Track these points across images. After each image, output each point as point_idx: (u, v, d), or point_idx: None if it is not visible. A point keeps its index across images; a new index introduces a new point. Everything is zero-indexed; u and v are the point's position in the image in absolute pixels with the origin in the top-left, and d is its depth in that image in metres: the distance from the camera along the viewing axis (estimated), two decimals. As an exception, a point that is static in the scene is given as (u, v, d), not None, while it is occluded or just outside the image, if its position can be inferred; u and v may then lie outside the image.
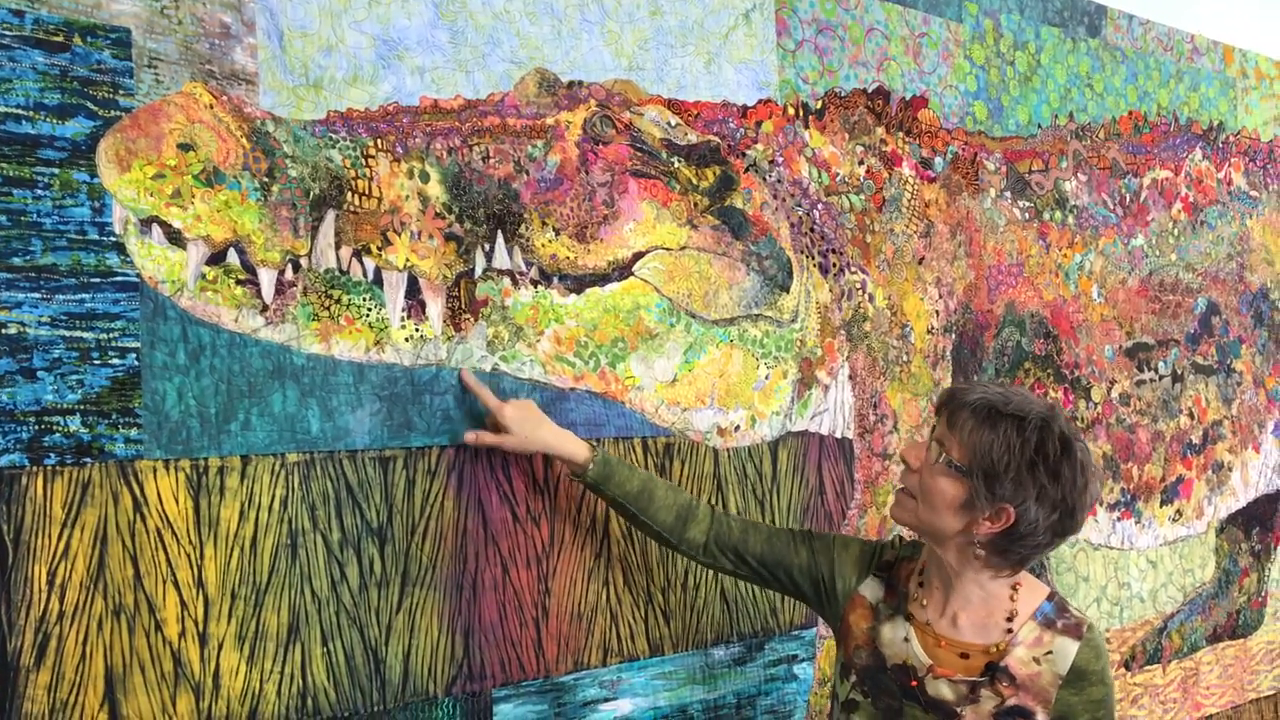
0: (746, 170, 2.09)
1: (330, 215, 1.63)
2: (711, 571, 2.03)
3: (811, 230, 2.19)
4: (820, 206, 2.20)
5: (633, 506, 1.77)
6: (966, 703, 1.54)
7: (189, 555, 1.52)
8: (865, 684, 1.64)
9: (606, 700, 1.92)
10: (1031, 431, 1.48)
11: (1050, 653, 1.54)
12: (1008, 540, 1.51)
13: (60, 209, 1.43)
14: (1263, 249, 3.19)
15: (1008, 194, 2.55)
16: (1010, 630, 1.55)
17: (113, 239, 1.47)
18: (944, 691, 1.56)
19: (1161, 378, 2.88)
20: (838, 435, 2.24)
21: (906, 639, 1.60)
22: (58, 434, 1.43)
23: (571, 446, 1.76)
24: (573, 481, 1.83)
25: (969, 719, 1.54)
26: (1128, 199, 2.82)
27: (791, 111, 2.17)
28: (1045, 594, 1.59)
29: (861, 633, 1.66)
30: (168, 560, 1.51)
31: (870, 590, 1.68)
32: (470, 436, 1.75)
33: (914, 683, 1.58)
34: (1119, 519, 2.78)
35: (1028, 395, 1.54)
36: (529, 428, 1.74)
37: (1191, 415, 2.95)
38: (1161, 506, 2.88)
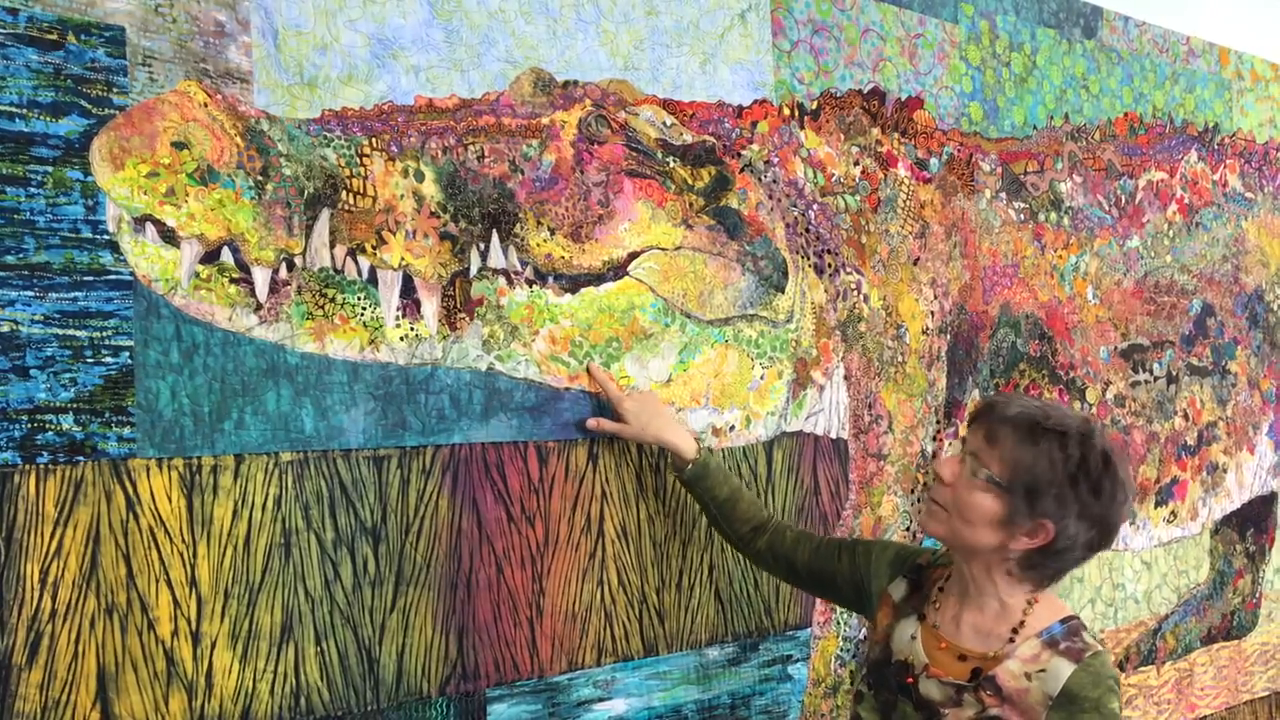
0: (742, 170, 2.09)
1: (325, 214, 1.63)
2: (708, 571, 2.05)
3: (807, 231, 2.19)
4: (815, 207, 2.20)
5: (715, 511, 1.90)
6: (951, 705, 1.54)
7: (182, 554, 1.52)
8: (871, 676, 1.66)
9: (601, 700, 1.92)
10: (1074, 447, 1.48)
11: (1043, 671, 1.50)
12: (1043, 556, 1.51)
13: (54, 207, 1.43)
14: (1258, 250, 3.19)
15: (1003, 195, 2.55)
16: (1011, 641, 1.53)
17: (106, 237, 1.47)
18: (933, 691, 1.56)
19: (1156, 379, 2.88)
20: (833, 436, 2.24)
21: (913, 637, 1.61)
22: (50, 432, 1.43)
23: (680, 443, 1.87)
24: (674, 477, 1.95)
25: None
26: (1123, 200, 2.82)
27: (787, 112, 2.17)
28: (1062, 616, 1.56)
29: (881, 629, 1.68)
30: (161, 559, 1.50)
31: (897, 590, 1.70)
32: (592, 422, 1.87)
33: (910, 679, 1.58)
34: (1114, 520, 2.78)
35: (1064, 409, 1.54)
36: (644, 419, 1.86)
37: (1186, 417, 2.96)
38: (1156, 508, 2.89)
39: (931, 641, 1.59)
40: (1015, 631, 1.54)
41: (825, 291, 2.21)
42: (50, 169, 1.43)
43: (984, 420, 1.54)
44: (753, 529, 1.89)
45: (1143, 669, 2.87)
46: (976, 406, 1.57)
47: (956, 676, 1.55)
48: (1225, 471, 3.09)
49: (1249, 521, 3.18)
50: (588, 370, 1.89)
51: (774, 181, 2.14)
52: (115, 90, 1.48)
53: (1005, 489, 1.49)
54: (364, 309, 1.67)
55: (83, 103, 1.45)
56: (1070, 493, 1.48)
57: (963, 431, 1.68)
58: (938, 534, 1.58)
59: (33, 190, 1.42)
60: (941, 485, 1.56)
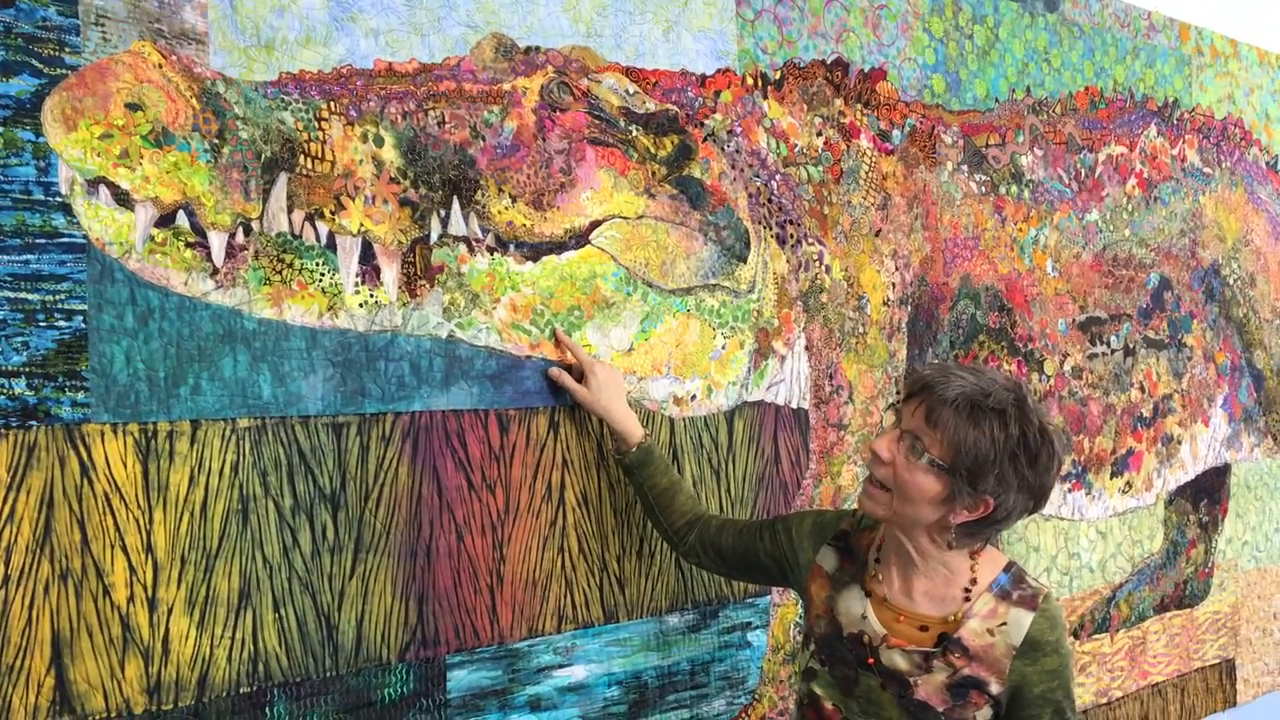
0: (705, 140, 2.09)
1: (282, 178, 1.61)
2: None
3: (769, 201, 2.19)
4: (778, 177, 2.20)
5: (653, 500, 1.90)
6: (920, 673, 1.56)
7: (138, 520, 1.51)
8: (823, 652, 1.66)
9: (561, 667, 1.93)
10: (1014, 425, 1.48)
11: (1004, 624, 1.54)
12: (981, 525, 1.54)
13: (4, 168, 1.41)
14: (1215, 225, 3.23)
15: (964, 167, 2.56)
16: (968, 599, 1.56)
17: (59, 199, 1.44)
18: (898, 661, 1.57)
19: (1113, 351, 2.91)
20: (793, 405, 2.25)
21: (864, 614, 1.61)
22: (3, 396, 1.41)
23: (629, 426, 1.89)
24: (616, 461, 1.94)
25: (922, 689, 1.55)
26: (1083, 174, 2.84)
27: (750, 81, 2.17)
28: (1003, 565, 1.60)
29: (820, 601, 1.68)
30: (116, 525, 1.49)
31: (827, 560, 1.70)
32: (554, 371, 1.89)
33: (869, 654, 1.59)
34: (1070, 490, 2.82)
35: (994, 377, 1.54)
36: (606, 392, 1.88)
37: (1142, 389, 3.00)
38: (1112, 478, 2.93)
39: (887, 614, 1.60)
40: (968, 590, 1.57)
41: (787, 262, 2.21)
42: (1, 129, 1.40)
43: (921, 398, 1.52)
44: (688, 522, 1.89)
45: (1096, 636, 2.92)
46: (912, 381, 1.55)
47: (921, 644, 1.57)
48: (1180, 443, 3.13)
49: (1202, 492, 3.24)
50: (554, 336, 1.89)
51: (737, 151, 2.14)
52: (67, 50, 1.45)
53: (948, 470, 1.49)
54: (322, 275, 1.65)
55: (34, 62, 1.43)
56: (1011, 469, 1.49)
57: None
58: (877, 514, 1.58)
59: (-18, 151, 1.40)
60: (880, 464, 1.54)
